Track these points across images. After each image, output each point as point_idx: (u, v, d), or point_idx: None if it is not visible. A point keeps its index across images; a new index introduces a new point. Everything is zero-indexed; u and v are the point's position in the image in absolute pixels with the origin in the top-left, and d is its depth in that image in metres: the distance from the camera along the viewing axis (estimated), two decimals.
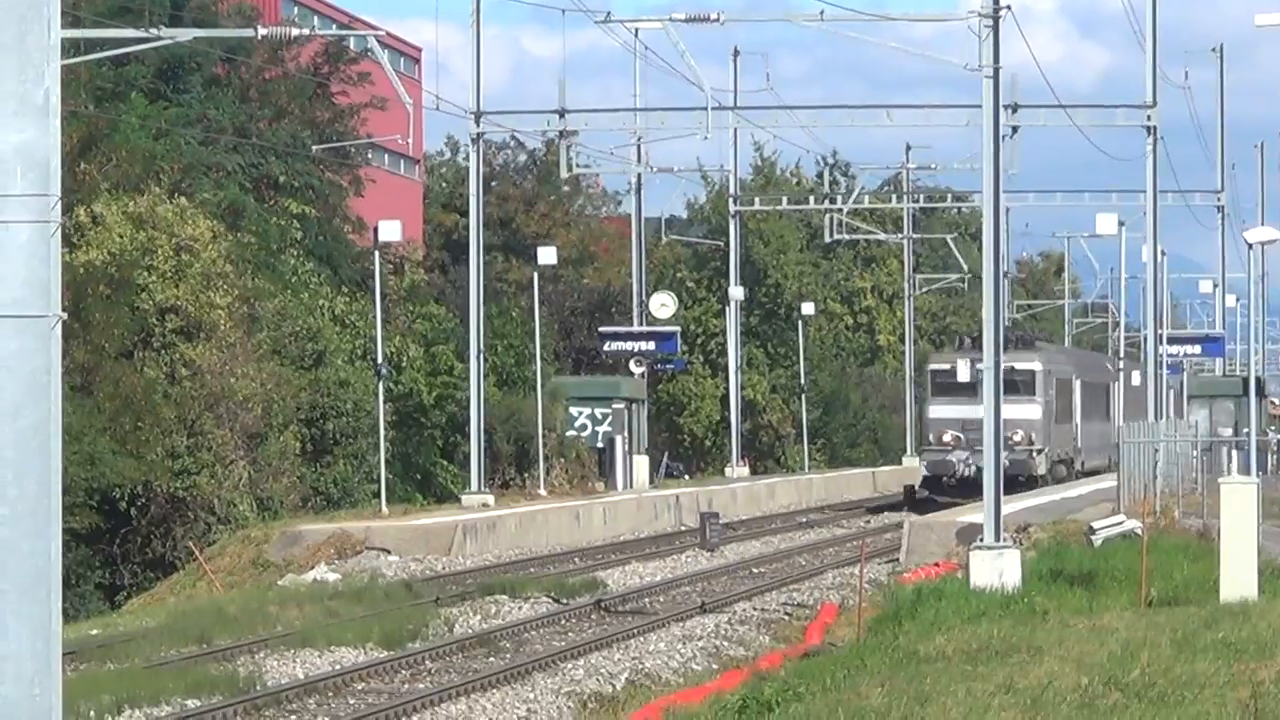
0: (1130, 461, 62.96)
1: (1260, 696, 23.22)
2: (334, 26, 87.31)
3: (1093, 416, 72.27)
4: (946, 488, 56.80)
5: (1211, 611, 34.71)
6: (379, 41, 62.37)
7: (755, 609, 48.13)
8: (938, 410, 58.56)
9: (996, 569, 43.95)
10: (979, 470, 47.49)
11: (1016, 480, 54.13)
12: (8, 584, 9.68)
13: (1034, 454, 55.92)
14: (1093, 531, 51.13)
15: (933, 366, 63.01)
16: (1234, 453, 56.60)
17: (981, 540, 45.71)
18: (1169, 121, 70.68)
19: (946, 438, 56.42)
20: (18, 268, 9.01)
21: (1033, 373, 57.60)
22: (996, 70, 45.35)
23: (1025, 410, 55.43)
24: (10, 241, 9.26)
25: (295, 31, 69.74)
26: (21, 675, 9.14)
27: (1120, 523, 51.82)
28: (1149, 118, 65.71)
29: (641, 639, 41.41)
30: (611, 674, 36.15)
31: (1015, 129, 58.96)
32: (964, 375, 61.82)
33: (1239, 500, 39.20)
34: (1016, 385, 55.89)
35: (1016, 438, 54.71)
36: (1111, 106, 68.82)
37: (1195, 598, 38.27)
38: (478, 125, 67.96)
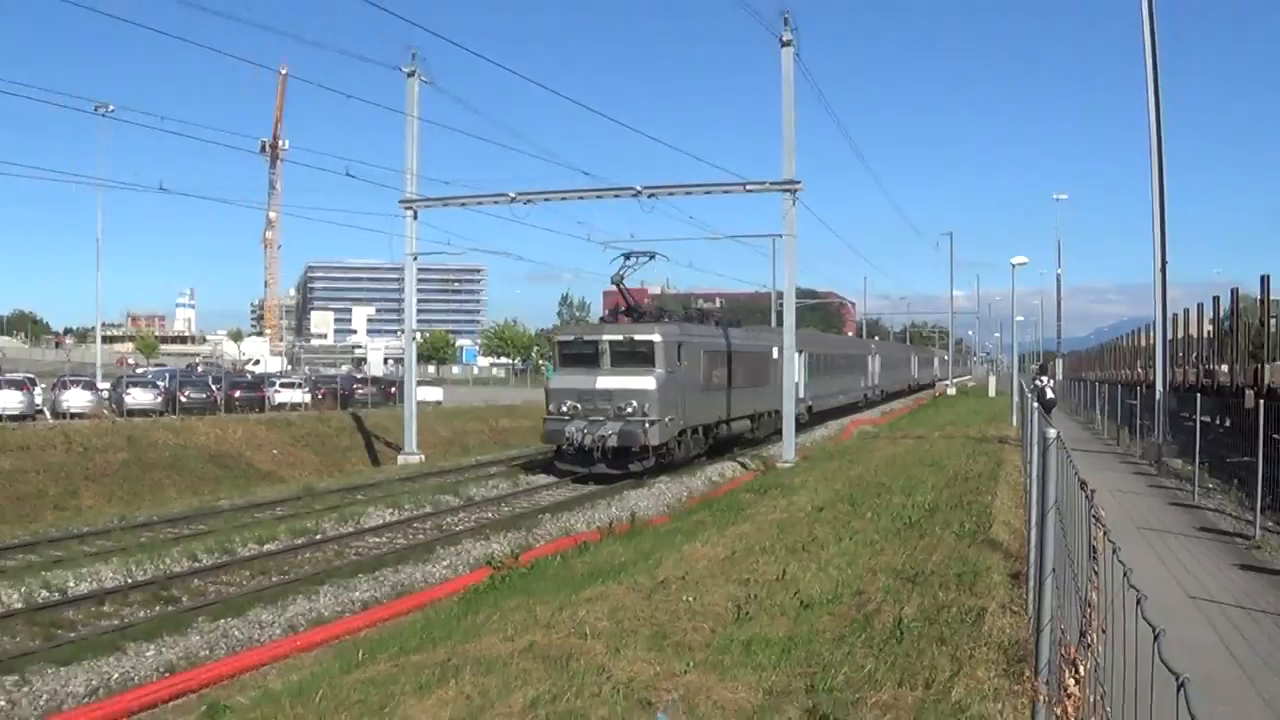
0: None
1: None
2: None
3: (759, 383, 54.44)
4: (566, 456, 42.50)
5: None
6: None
7: (833, 429, 63.02)
8: (558, 381, 43.41)
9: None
10: (599, 439, 40.45)
11: (629, 451, 41.46)
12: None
13: (647, 424, 41.11)
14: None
15: (559, 338, 46.26)
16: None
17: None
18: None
19: (564, 407, 42.11)
20: None
21: (651, 344, 42.32)
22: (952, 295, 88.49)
23: (641, 381, 41.56)
24: None
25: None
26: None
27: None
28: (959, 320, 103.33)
29: (825, 426, 62.58)
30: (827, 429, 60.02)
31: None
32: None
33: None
34: (637, 357, 42.38)
35: (629, 409, 41.30)
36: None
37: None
38: None
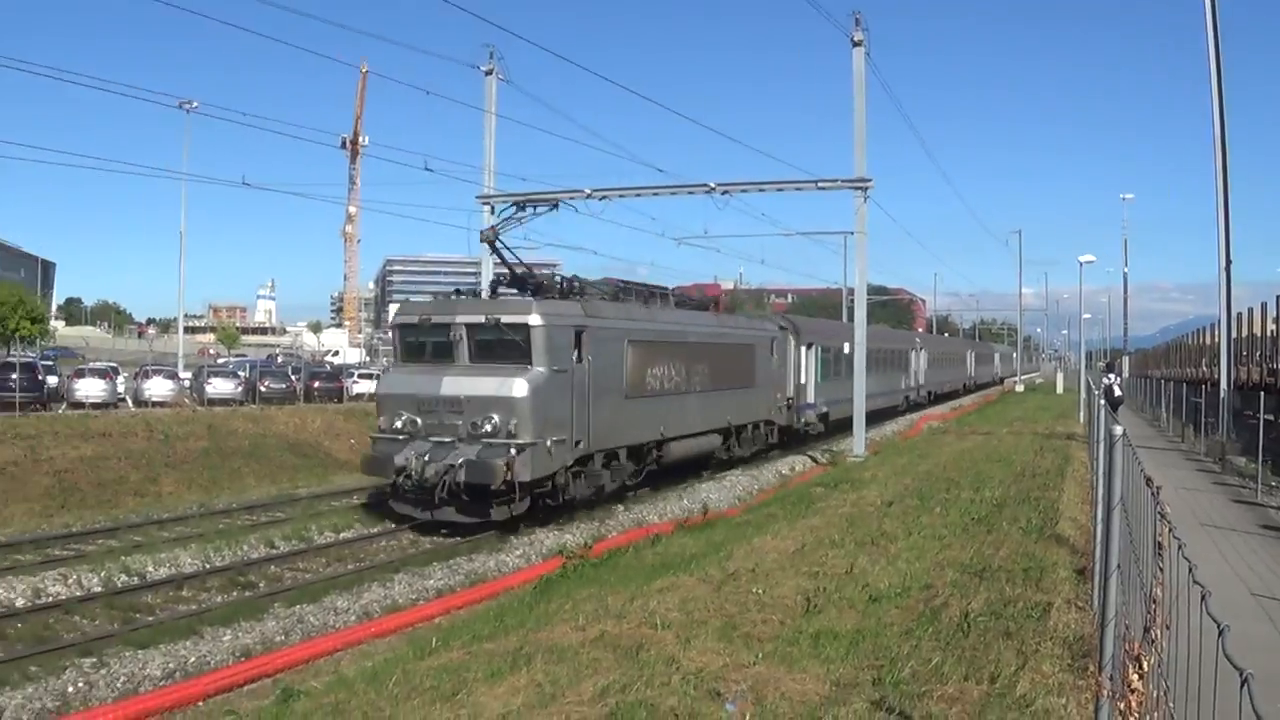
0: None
1: (1041, 436, 41.66)
2: None
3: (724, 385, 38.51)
4: (401, 493, 27.31)
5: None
6: None
7: (901, 424, 61.70)
8: (391, 382, 28.79)
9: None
10: (446, 471, 26.22)
11: (484, 489, 26.30)
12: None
13: (514, 450, 26.20)
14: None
15: (398, 320, 30.19)
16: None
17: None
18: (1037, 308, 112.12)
19: (399, 422, 27.39)
20: None
21: (526, 329, 27.32)
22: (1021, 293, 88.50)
23: (505, 384, 26.74)
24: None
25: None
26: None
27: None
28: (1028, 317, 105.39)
29: (892, 421, 62.96)
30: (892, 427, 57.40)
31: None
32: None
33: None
34: (505, 348, 27.44)
35: (488, 427, 26.53)
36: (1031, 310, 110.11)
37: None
38: None
